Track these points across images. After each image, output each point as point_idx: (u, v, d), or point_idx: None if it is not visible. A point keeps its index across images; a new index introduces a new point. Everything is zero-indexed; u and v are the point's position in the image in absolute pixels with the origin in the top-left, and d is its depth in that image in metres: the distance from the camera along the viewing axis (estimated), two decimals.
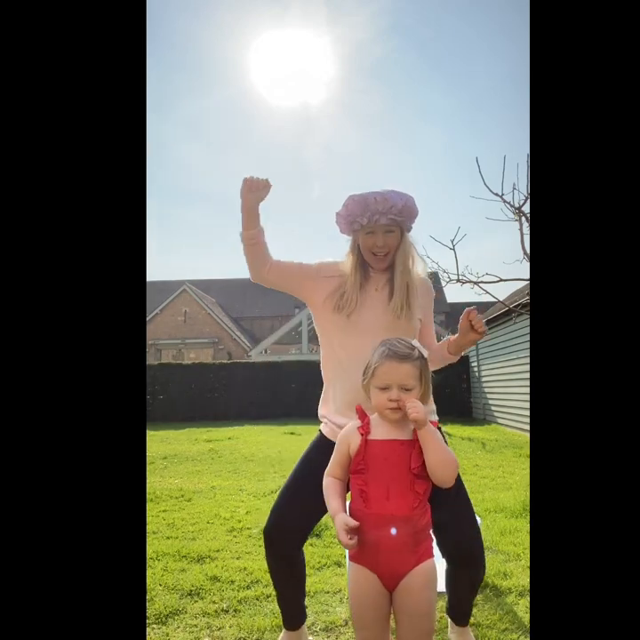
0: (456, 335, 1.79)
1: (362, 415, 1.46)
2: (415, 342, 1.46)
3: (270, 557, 1.84)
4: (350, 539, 1.31)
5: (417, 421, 1.33)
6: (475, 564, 1.74)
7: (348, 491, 1.49)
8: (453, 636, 1.93)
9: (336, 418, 1.82)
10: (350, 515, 1.42)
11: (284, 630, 1.94)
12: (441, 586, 1.70)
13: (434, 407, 1.84)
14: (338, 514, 1.36)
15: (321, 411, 1.94)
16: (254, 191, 1.79)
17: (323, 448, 1.80)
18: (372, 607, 1.36)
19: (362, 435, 1.41)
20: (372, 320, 1.82)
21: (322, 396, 1.96)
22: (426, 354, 1.46)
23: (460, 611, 1.89)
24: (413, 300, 1.83)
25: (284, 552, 1.82)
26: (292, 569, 1.88)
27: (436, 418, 1.83)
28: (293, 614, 1.92)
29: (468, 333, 1.74)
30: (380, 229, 1.80)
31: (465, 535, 1.69)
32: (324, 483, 1.47)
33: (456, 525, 1.66)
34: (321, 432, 1.91)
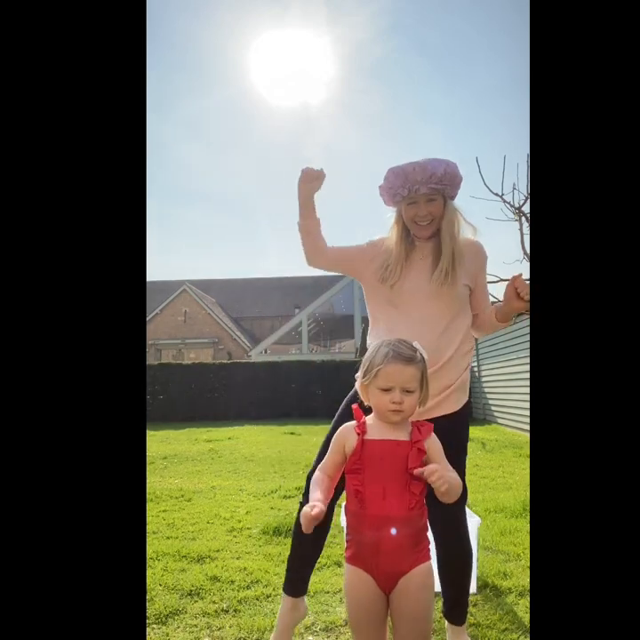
0: (502, 303, 1.81)
1: (358, 415, 1.45)
2: (416, 344, 1.46)
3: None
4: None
5: (445, 494, 1.30)
6: (460, 548, 1.76)
7: (340, 493, 1.48)
8: (450, 637, 1.92)
9: None
10: (346, 516, 1.42)
11: (285, 596, 1.91)
12: (436, 587, 1.70)
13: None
14: (309, 503, 1.31)
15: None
16: (309, 182, 1.85)
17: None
18: (368, 610, 1.35)
19: (358, 434, 1.40)
20: (415, 289, 1.83)
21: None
22: (426, 356, 1.46)
23: (453, 606, 1.87)
24: (459, 266, 1.83)
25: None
26: (323, 524, 1.84)
27: (462, 401, 1.84)
28: (302, 579, 1.91)
29: (513, 300, 1.75)
30: (422, 199, 1.81)
31: (448, 519, 1.71)
32: (314, 476, 1.46)
33: (440, 510, 1.63)
34: (352, 395, 1.89)
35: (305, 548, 1.91)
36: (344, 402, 1.94)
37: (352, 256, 1.98)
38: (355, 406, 1.48)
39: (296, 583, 1.92)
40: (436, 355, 1.77)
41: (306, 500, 1.90)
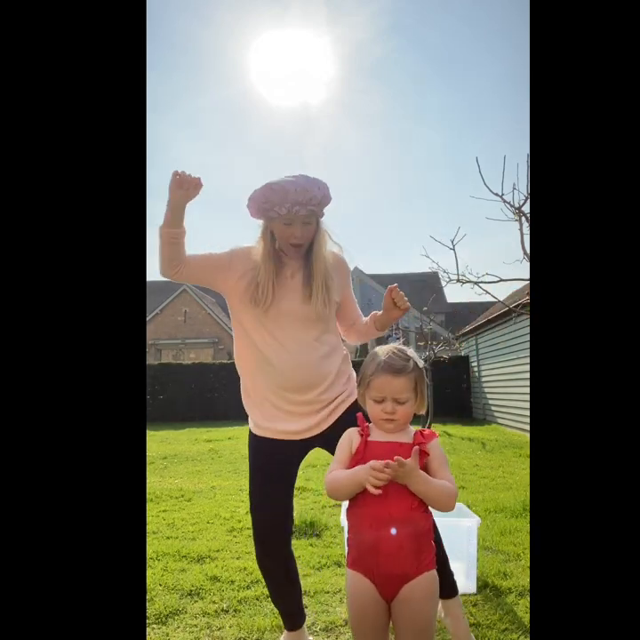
0: (381, 311, 1.86)
1: (361, 421, 1.48)
2: (411, 352, 1.46)
3: (267, 562, 1.87)
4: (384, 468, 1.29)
5: (401, 474, 1.30)
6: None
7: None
8: (447, 620, 1.91)
9: (263, 422, 1.83)
10: (348, 515, 1.42)
11: (285, 631, 1.95)
12: None
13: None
14: (361, 469, 1.33)
15: (247, 406, 1.93)
16: (185, 189, 1.68)
17: (261, 451, 1.83)
18: (369, 617, 1.35)
19: (361, 436, 1.42)
20: (292, 311, 1.80)
21: (242, 390, 1.95)
22: (421, 364, 1.46)
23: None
24: (331, 285, 1.84)
25: (276, 551, 1.85)
26: (287, 567, 1.89)
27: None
28: (293, 614, 1.93)
29: (392, 310, 1.79)
30: (299, 220, 1.77)
31: None
32: (329, 477, 1.45)
33: None
34: (251, 432, 1.90)
35: (279, 584, 1.92)
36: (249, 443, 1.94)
37: (214, 266, 1.86)
38: (359, 414, 1.50)
39: (291, 616, 1.94)
40: (320, 378, 1.81)
41: (265, 560, 1.88)
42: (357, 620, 1.37)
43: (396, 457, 1.28)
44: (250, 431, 1.91)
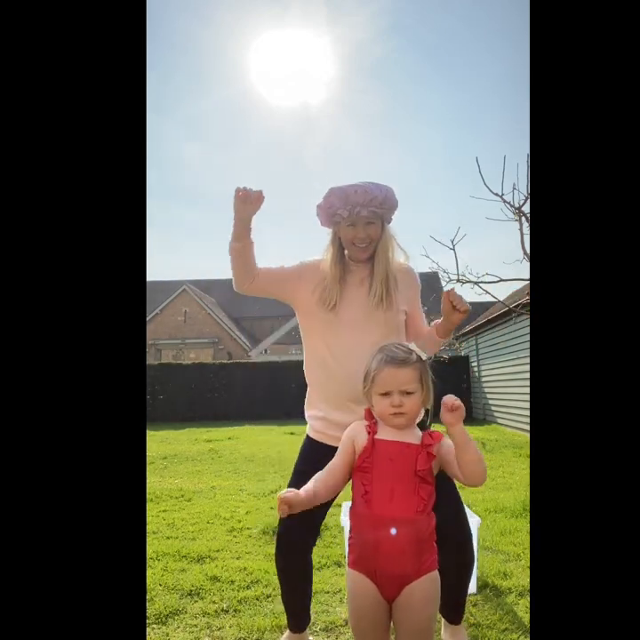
0: (441, 319, 1.80)
1: (369, 416, 1.45)
2: (412, 345, 1.46)
3: (282, 563, 1.87)
4: (282, 512, 1.32)
5: (455, 411, 1.29)
6: (460, 547, 1.76)
7: (335, 494, 1.48)
8: (446, 635, 1.92)
9: (330, 414, 1.83)
10: (351, 516, 1.41)
11: (288, 631, 1.95)
12: None
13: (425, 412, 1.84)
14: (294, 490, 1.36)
15: (308, 412, 1.95)
16: (248, 203, 1.75)
17: (312, 455, 1.83)
18: (369, 618, 1.34)
19: (369, 433, 1.40)
20: (356, 313, 1.82)
21: (306, 399, 1.97)
22: (424, 356, 1.45)
23: (451, 605, 1.86)
24: (394, 291, 1.83)
25: (297, 555, 1.86)
26: (305, 571, 1.91)
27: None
28: (300, 616, 1.93)
29: (452, 314, 1.74)
30: (361, 221, 1.80)
31: (449, 516, 1.70)
32: (320, 478, 1.45)
33: (440, 507, 1.64)
34: (308, 437, 1.92)
35: (297, 590, 1.93)
36: (303, 445, 1.96)
37: (285, 278, 1.92)
38: (367, 408, 1.49)
39: (298, 617, 1.94)
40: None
41: (283, 561, 1.89)
42: (358, 620, 1.36)
43: (446, 399, 1.29)
44: (306, 434, 1.94)
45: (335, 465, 1.44)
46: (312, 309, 1.86)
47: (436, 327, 1.83)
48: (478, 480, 1.34)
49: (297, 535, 1.84)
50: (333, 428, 1.80)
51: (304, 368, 1.97)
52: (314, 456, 1.79)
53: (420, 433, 1.42)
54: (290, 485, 1.84)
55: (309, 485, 1.40)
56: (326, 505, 1.87)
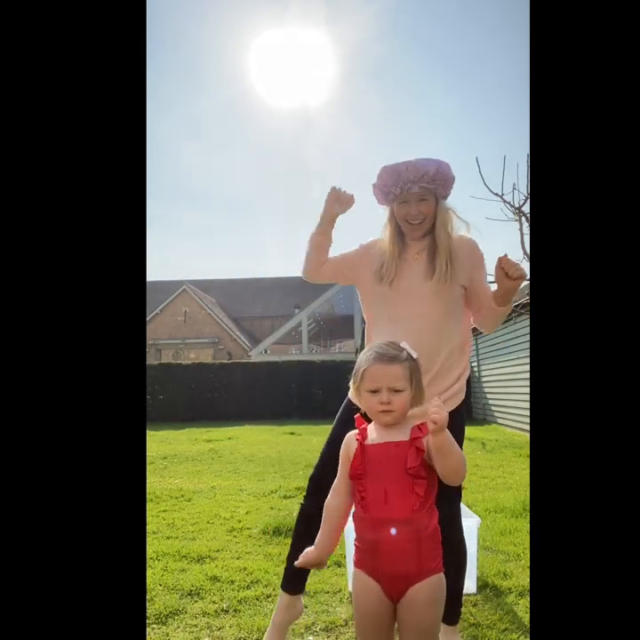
0: (497, 288, 1.78)
1: (359, 422, 1.46)
2: (404, 344, 1.45)
3: (312, 502, 1.89)
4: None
5: (436, 423, 1.26)
6: (456, 548, 1.76)
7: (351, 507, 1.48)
8: (442, 636, 1.92)
9: None
10: (353, 520, 1.41)
11: (282, 594, 1.95)
12: None
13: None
14: (310, 549, 1.42)
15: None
16: (340, 202, 1.87)
17: (350, 413, 1.80)
18: (373, 617, 1.34)
19: (358, 440, 1.41)
20: (415, 287, 1.84)
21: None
22: (415, 355, 1.44)
23: (448, 606, 1.87)
24: (456, 263, 1.83)
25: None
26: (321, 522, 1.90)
27: (461, 398, 1.85)
28: (300, 576, 1.94)
29: (504, 281, 1.71)
30: (414, 198, 1.82)
31: (448, 517, 1.70)
32: (326, 502, 1.47)
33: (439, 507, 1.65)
34: (349, 400, 1.93)
35: (304, 546, 1.92)
36: (342, 406, 1.96)
37: (351, 262, 2.00)
38: (357, 416, 1.49)
39: (293, 580, 1.94)
40: (435, 354, 1.80)
41: (307, 501, 1.94)
42: (362, 619, 1.37)
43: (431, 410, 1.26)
44: (348, 399, 1.94)
45: (341, 486, 1.46)
46: (372, 287, 1.91)
47: (494, 297, 1.80)
48: (456, 481, 1.35)
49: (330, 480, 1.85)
50: None
51: (365, 343, 1.98)
52: (351, 413, 1.80)
53: (408, 426, 1.40)
54: (323, 455, 1.89)
55: (320, 537, 1.47)
56: None
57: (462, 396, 1.91)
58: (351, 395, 1.93)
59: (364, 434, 1.42)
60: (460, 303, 1.90)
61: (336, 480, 1.48)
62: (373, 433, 1.42)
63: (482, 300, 1.92)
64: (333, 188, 1.89)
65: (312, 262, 1.99)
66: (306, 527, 1.90)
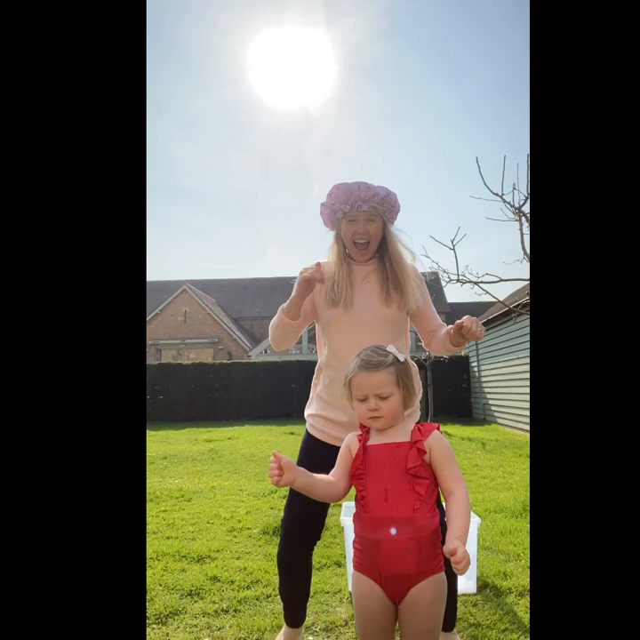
0: (453, 331, 1.76)
1: (362, 425, 1.47)
2: (391, 348, 1.44)
3: (288, 558, 1.89)
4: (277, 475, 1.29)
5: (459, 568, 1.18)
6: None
7: (336, 499, 1.48)
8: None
9: (327, 412, 1.84)
10: (354, 521, 1.42)
11: (285, 627, 1.98)
12: None
13: (417, 407, 1.83)
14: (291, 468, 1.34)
15: (309, 410, 1.96)
16: (312, 283, 1.74)
17: (315, 453, 1.84)
18: (375, 619, 1.34)
19: (360, 441, 1.42)
20: (369, 311, 1.82)
21: (316, 394, 1.96)
22: (402, 358, 1.43)
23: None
24: (407, 289, 1.83)
25: (301, 550, 1.89)
26: (306, 566, 1.93)
27: (415, 417, 1.83)
28: (298, 611, 1.96)
29: (460, 338, 1.71)
30: (362, 217, 1.82)
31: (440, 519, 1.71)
32: (323, 477, 1.46)
33: None
34: (308, 433, 1.93)
35: (292, 585, 1.95)
36: (302, 441, 1.96)
37: (307, 308, 1.88)
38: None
39: (298, 615, 1.97)
40: None
41: (285, 553, 1.90)
42: (363, 622, 1.36)
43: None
44: (307, 431, 1.94)
45: (334, 471, 1.46)
46: (325, 310, 1.85)
47: (449, 336, 1.78)
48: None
49: (304, 531, 1.86)
50: (334, 428, 1.82)
51: (316, 369, 1.98)
52: (313, 453, 1.81)
53: (409, 428, 1.41)
54: (293, 505, 1.86)
55: (311, 475, 1.40)
56: (328, 505, 1.88)
57: (416, 417, 1.90)
58: (310, 427, 1.91)
59: (365, 436, 1.44)
60: (406, 328, 1.92)
61: (332, 472, 1.47)
62: (375, 434, 1.43)
63: (432, 321, 1.95)
64: (303, 272, 1.73)
65: (284, 344, 1.87)
66: (289, 573, 1.93)
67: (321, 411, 1.88)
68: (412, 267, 1.93)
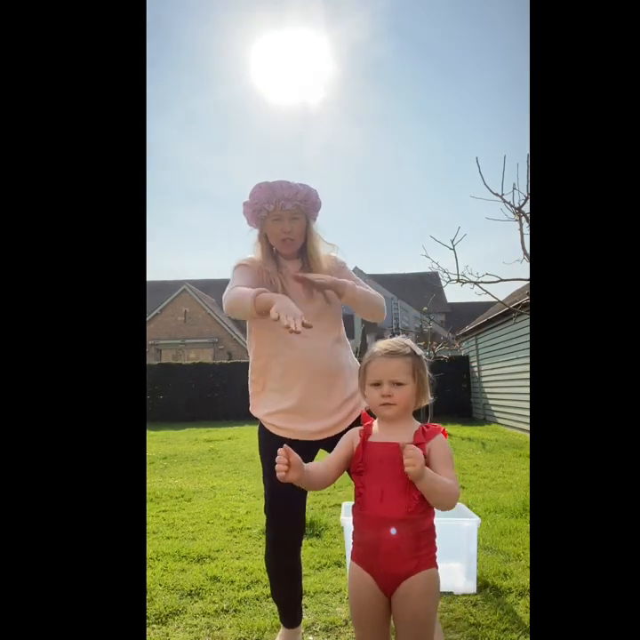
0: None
1: (365, 418, 1.47)
2: (408, 341, 1.46)
3: (276, 564, 1.90)
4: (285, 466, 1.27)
5: (411, 474, 1.24)
6: None
7: (325, 485, 1.46)
8: None
9: (282, 422, 1.85)
10: (352, 516, 1.42)
11: (283, 628, 1.98)
12: (443, 587, 1.70)
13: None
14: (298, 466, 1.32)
15: (257, 410, 1.94)
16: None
17: (274, 448, 1.80)
18: (367, 609, 1.36)
19: (361, 437, 1.42)
20: (300, 308, 1.77)
21: (251, 397, 1.96)
22: (419, 352, 1.45)
23: None
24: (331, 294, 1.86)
25: (287, 553, 1.89)
26: (294, 568, 1.93)
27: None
28: (293, 611, 1.96)
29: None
30: (286, 215, 1.85)
31: None
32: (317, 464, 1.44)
33: None
34: (266, 431, 1.91)
35: (282, 587, 1.95)
36: (259, 439, 1.97)
37: (256, 284, 1.86)
38: (363, 412, 1.52)
39: (295, 615, 1.97)
40: (339, 366, 1.88)
41: (272, 559, 1.90)
42: (357, 612, 1.39)
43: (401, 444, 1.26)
44: (263, 429, 1.92)
45: (330, 459, 1.45)
46: None
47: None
48: (446, 509, 1.35)
49: (289, 536, 1.87)
50: (292, 420, 1.84)
51: (250, 369, 1.96)
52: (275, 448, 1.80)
53: (415, 429, 1.41)
54: (270, 483, 1.85)
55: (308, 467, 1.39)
56: (305, 497, 1.89)
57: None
58: (271, 427, 1.89)
59: (368, 430, 1.43)
60: (339, 316, 1.96)
61: (328, 458, 1.46)
62: (377, 430, 1.43)
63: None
64: (287, 326, 1.53)
65: (241, 316, 1.80)
66: (279, 576, 1.93)
67: (277, 405, 1.86)
68: (330, 257, 1.97)
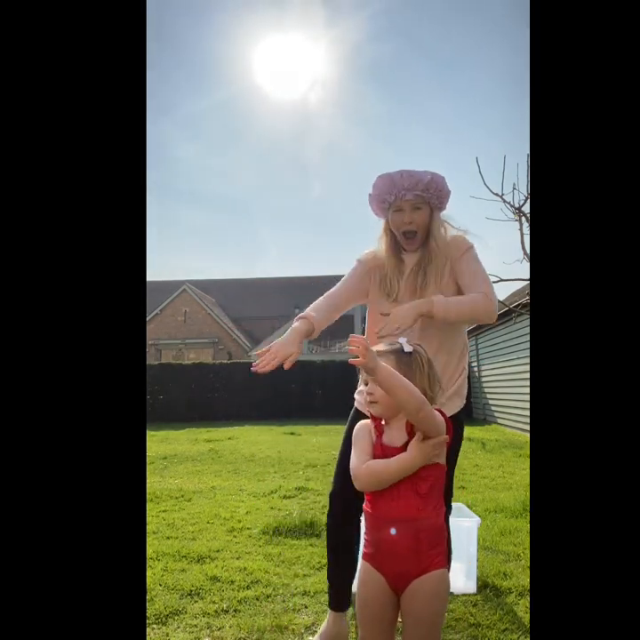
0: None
1: (374, 417, 1.46)
2: (401, 339, 1.44)
3: (341, 530, 1.90)
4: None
5: (362, 368, 1.24)
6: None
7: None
8: None
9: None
10: (364, 516, 1.43)
11: (329, 612, 1.97)
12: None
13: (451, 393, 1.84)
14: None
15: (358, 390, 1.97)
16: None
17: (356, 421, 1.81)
18: (375, 607, 1.37)
19: (377, 436, 1.41)
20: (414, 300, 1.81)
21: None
22: (408, 349, 1.40)
23: None
24: (439, 280, 1.83)
25: (353, 521, 1.89)
26: (347, 543, 1.93)
27: (458, 405, 1.86)
28: (345, 592, 1.96)
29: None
30: (408, 206, 1.81)
31: None
32: (362, 472, 1.39)
33: None
34: (355, 408, 1.95)
35: (340, 565, 1.96)
36: (350, 417, 1.97)
37: (354, 287, 1.95)
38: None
39: (337, 595, 1.97)
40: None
41: (335, 519, 1.93)
42: (364, 611, 1.39)
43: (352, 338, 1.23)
44: (355, 409, 1.95)
45: (363, 458, 1.39)
46: (379, 303, 1.89)
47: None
48: (412, 417, 1.31)
49: (356, 498, 1.83)
50: None
51: None
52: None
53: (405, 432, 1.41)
54: (347, 454, 1.83)
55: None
56: None
57: (459, 402, 1.91)
58: (357, 403, 1.94)
59: (380, 429, 1.42)
60: (447, 330, 1.88)
61: (358, 457, 1.41)
62: (385, 432, 1.42)
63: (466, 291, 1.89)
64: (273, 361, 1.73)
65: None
66: (331, 542, 1.93)
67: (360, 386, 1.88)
68: (456, 239, 1.87)
